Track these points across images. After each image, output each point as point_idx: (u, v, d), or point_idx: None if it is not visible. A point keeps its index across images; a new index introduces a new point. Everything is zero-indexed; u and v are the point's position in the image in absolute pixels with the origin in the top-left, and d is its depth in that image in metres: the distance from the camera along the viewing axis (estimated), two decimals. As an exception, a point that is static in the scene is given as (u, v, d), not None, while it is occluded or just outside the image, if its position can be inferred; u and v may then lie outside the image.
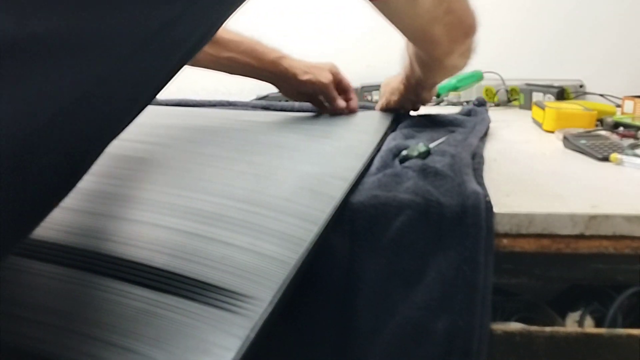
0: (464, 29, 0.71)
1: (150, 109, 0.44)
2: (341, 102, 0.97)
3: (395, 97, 0.99)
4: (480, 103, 1.09)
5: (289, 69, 0.94)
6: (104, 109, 0.37)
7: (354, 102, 0.99)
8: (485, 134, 0.92)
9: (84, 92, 0.34)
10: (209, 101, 1.11)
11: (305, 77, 0.94)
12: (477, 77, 1.18)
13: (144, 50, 0.37)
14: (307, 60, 0.96)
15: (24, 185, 0.32)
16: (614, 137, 0.91)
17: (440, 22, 0.67)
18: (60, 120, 0.33)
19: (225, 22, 0.46)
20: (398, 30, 0.70)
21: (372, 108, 1.06)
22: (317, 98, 0.98)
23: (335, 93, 0.97)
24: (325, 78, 0.95)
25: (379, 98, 1.04)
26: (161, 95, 0.42)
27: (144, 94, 0.41)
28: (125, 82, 0.37)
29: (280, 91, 1.00)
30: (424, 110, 1.06)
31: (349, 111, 0.98)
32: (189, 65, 0.92)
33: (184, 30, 0.39)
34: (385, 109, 1.02)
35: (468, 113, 1.03)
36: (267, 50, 0.93)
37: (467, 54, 0.78)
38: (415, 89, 0.94)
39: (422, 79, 0.89)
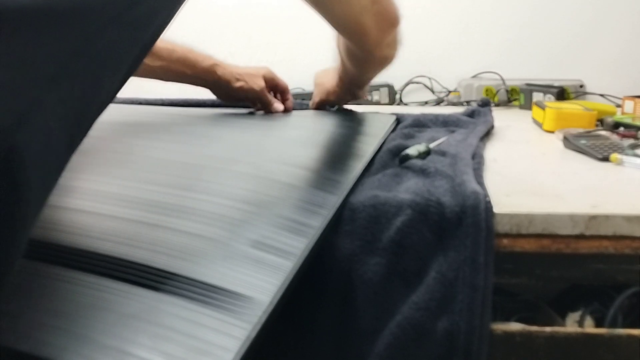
0: (390, 19, 0.75)
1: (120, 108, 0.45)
2: (278, 106, 1.01)
3: (332, 98, 1.02)
4: (484, 103, 1.09)
5: (222, 76, 0.96)
6: (81, 84, 0.38)
7: (290, 102, 1.03)
8: (487, 135, 0.92)
9: (62, 64, 0.36)
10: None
11: (238, 85, 0.97)
12: None
13: (114, 26, 0.39)
14: (241, 66, 0.99)
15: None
16: (614, 137, 0.91)
17: (369, 11, 0.71)
18: (43, 93, 0.35)
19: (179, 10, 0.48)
20: (328, 23, 0.73)
21: (307, 107, 1.07)
22: (253, 102, 1.01)
23: (269, 98, 1.00)
24: (258, 85, 0.98)
25: (313, 97, 1.06)
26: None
27: (117, 71, 0.43)
28: (99, 56, 0.39)
29: (216, 96, 1.02)
30: (426, 110, 1.06)
31: (285, 111, 1.02)
32: None
33: (149, 9, 0.42)
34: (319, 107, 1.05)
35: (471, 114, 1.03)
36: (200, 58, 0.96)
37: (393, 44, 0.81)
38: (350, 88, 0.97)
39: (356, 76, 0.91)
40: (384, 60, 0.84)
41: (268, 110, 1.00)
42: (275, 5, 1.40)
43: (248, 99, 1.00)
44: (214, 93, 1.01)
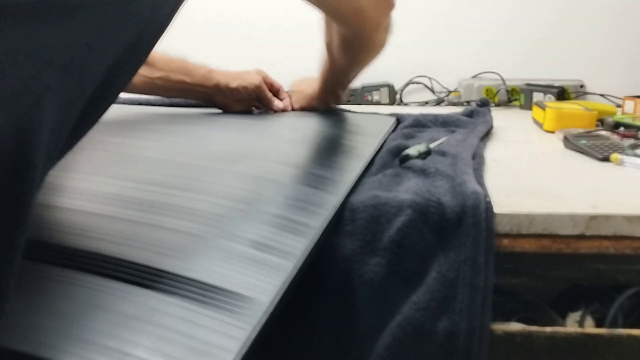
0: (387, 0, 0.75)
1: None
2: (278, 104, 1.01)
3: (314, 104, 1.02)
4: (483, 103, 1.09)
5: (220, 80, 0.96)
6: (90, 76, 0.39)
7: (287, 101, 1.03)
8: (487, 135, 0.92)
9: (74, 55, 0.37)
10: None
11: (236, 84, 0.97)
12: None
13: (118, 19, 0.40)
14: (234, 70, 0.99)
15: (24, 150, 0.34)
16: (615, 137, 0.91)
17: None
18: (55, 80, 0.36)
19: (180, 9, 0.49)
20: (325, 13, 0.74)
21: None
22: (253, 103, 1.01)
23: (269, 94, 1.00)
24: (255, 79, 0.98)
25: (292, 103, 1.05)
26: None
27: (124, 66, 0.44)
28: (108, 50, 0.40)
29: (216, 106, 1.01)
30: (426, 110, 1.06)
31: (284, 110, 1.02)
32: (126, 92, 0.93)
33: (151, 3, 0.43)
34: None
35: (470, 114, 1.03)
36: (196, 66, 0.96)
37: (389, 28, 0.81)
38: (335, 89, 0.98)
39: (344, 71, 0.91)
40: (381, 45, 0.84)
41: (269, 108, 1.00)
42: (275, 6, 1.40)
43: (250, 96, 0.99)
44: (214, 100, 1.00)
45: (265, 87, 0.99)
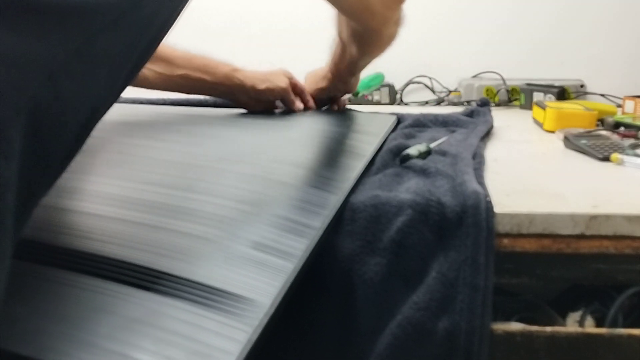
0: None
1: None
2: (299, 104, 1.00)
3: (322, 84, 1.01)
4: (484, 103, 1.09)
5: (244, 80, 0.95)
6: (78, 84, 0.39)
7: (310, 102, 1.02)
8: (487, 134, 0.92)
9: (62, 63, 0.36)
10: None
11: (264, 86, 0.96)
12: (381, 78, 1.25)
13: (115, 28, 0.40)
14: (260, 70, 0.98)
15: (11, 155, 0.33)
16: (615, 137, 0.91)
17: None
18: (40, 91, 0.35)
19: (181, 14, 0.48)
20: (333, 6, 0.73)
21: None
22: (274, 104, 1.00)
23: (293, 97, 0.99)
24: (283, 82, 0.97)
25: (306, 85, 1.04)
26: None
27: (117, 74, 0.43)
28: (98, 58, 0.40)
29: (236, 103, 1.00)
30: (426, 109, 1.06)
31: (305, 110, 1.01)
32: (143, 88, 0.93)
33: (151, 10, 0.43)
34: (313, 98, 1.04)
35: (470, 113, 1.03)
36: (219, 65, 0.95)
37: (399, 22, 0.81)
38: (345, 75, 0.97)
39: (355, 60, 0.91)
40: (391, 38, 0.84)
41: (291, 110, 0.99)
42: (276, 6, 1.40)
43: (275, 98, 0.98)
44: (237, 99, 0.98)
45: (290, 91, 0.98)
